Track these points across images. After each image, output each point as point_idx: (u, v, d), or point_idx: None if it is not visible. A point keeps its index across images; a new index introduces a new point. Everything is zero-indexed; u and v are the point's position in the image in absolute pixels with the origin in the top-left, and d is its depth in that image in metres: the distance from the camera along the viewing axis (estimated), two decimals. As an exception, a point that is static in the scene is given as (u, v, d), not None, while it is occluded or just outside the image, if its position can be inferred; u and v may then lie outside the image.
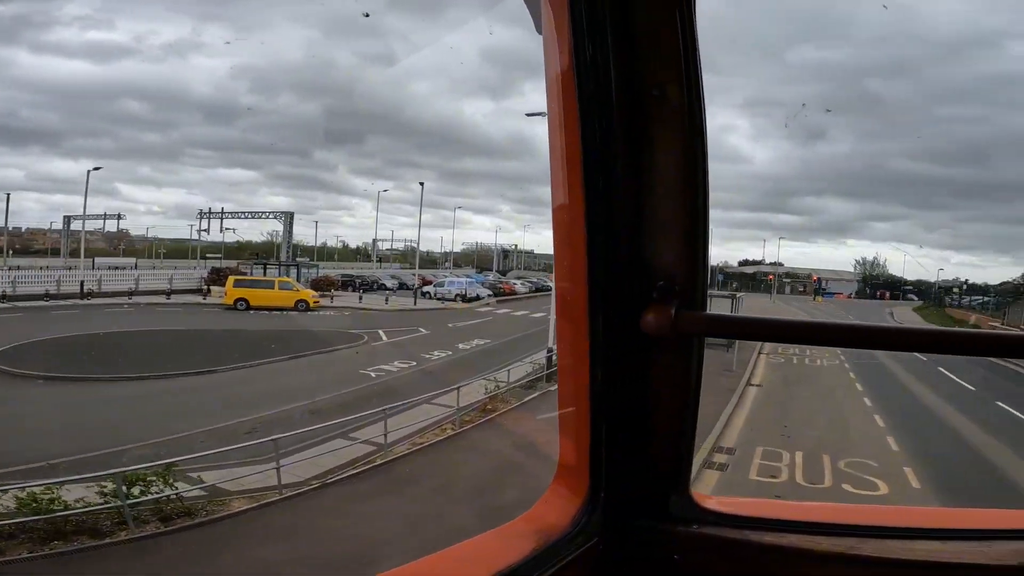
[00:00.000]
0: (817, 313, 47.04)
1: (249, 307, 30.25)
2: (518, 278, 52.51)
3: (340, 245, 59.63)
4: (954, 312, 47.26)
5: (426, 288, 41.14)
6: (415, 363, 19.25)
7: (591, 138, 1.02)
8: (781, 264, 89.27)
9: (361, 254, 59.60)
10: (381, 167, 78.14)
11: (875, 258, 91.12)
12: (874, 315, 49.51)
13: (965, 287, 61.69)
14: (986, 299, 48.43)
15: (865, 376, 19.45)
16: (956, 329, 1.22)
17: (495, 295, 42.49)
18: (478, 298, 40.26)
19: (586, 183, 1.02)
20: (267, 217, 43.86)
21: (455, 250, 62.42)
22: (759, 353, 22.89)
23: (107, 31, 53.98)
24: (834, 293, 78.08)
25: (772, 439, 12.60)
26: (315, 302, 32.07)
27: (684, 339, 1.07)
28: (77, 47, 53.16)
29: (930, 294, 73.49)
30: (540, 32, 1.06)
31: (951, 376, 19.56)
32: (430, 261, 58.38)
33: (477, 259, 61.79)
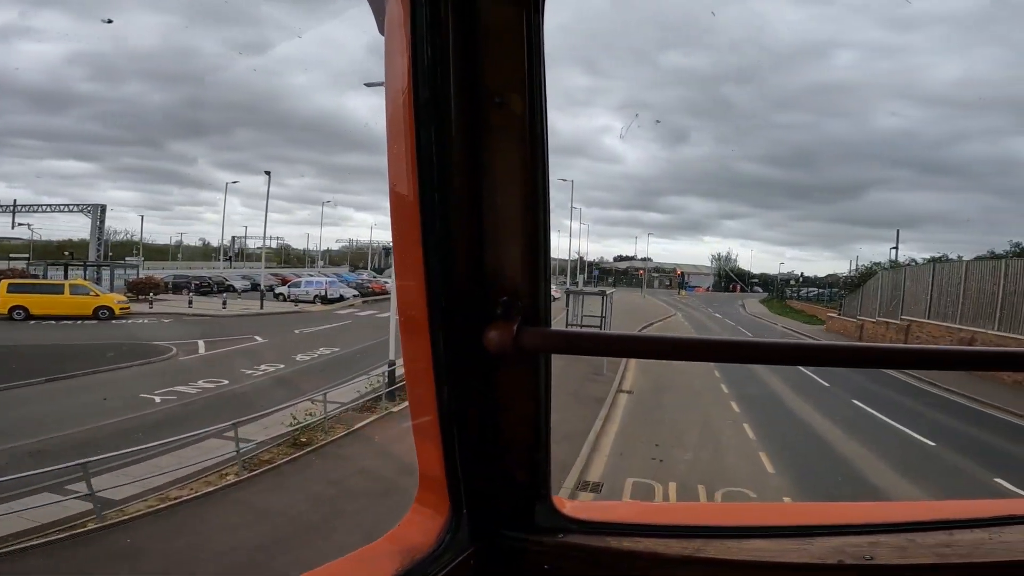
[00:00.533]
0: (680, 306, 49.67)
1: (29, 316, 24.36)
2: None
3: (201, 243, 54.94)
4: (793, 303, 52.48)
5: (280, 289, 36.12)
6: (227, 381, 15.46)
7: (427, 146, 0.95)
8: (650, 259, 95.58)
9: (229, 253, 55.17)
10: (251, 160, 74.01)
11: (728, 252, 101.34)
12: (728, 306, 53.61)
13: (801, 280, 69.67)
14: (820, 291, 54.57)
15: (731, 378, 19.23)
16: (810, 343, 1.28)
17: (363, 295, 38.65)
18: (341, 299, 36.23)
19: (422, 196, 0.96)
20: (72, 210, 36.21)
21: (333, 248, 59.81)
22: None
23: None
24: (694, 287, 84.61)
25: (644, 466, 11.07)
26: (123, 308, 26.28)
27: (530, 355, 1.04)
28: None
29: (773, 286, 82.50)
30: (383, 33, 1.00)
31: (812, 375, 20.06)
32: (309, 260, 56.77)
33: (352, 257, 60.86)
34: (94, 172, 70.89)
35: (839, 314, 33.00)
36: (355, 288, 39.42)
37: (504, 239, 1.01)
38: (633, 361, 19.15)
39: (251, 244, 52.36)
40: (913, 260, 30.82)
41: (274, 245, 52.51)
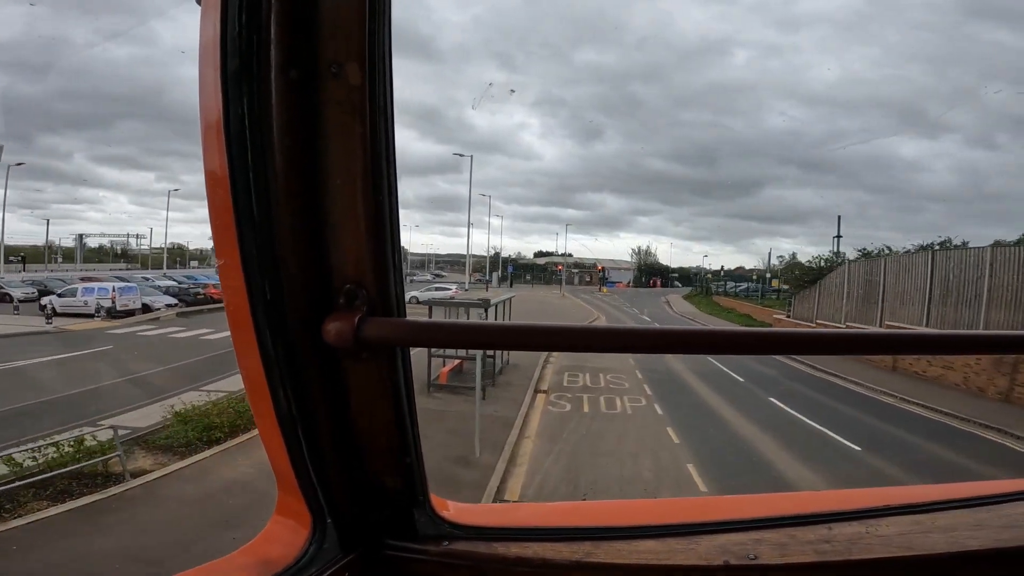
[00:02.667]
0: (603, 305, 43.57)
1: None
2: None
3: (75, 244, 49.71)
4: (721, 300, 47.92)
5: (46, 299, 25.08)
6: None
7: (238, 121, 0.83)
8: (571, 255, 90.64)
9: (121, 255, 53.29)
10: (137, 156, 68.94)
11: (647, 247, 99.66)
12: (652, 304, 48.34)
13: (723, 274, 66.51)
14: (748, 286, 50.60)
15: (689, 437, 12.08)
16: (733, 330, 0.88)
17: (191, 304, 28.30)
18: (146, 310, 25.75)
19: (234, 178, 0.84)
20: None
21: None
22: (535, 394, 14.48)
23: None
24: (615, 283, 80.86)
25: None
26: None
27: (377, 349, 0.92)
28: None
29: (695, 281, 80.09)
30: (199, 2, 0.88)
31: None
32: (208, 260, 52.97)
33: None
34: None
35: (788, 315, 27.32)
36: (173, 295, 28.92)
37: (345, 223, 0.89)
38: (534, 427, 11.42)
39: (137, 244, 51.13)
40: (835, 254, 25.51)
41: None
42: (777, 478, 9.59)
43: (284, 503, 1.01)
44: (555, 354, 20.40)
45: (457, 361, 15.14)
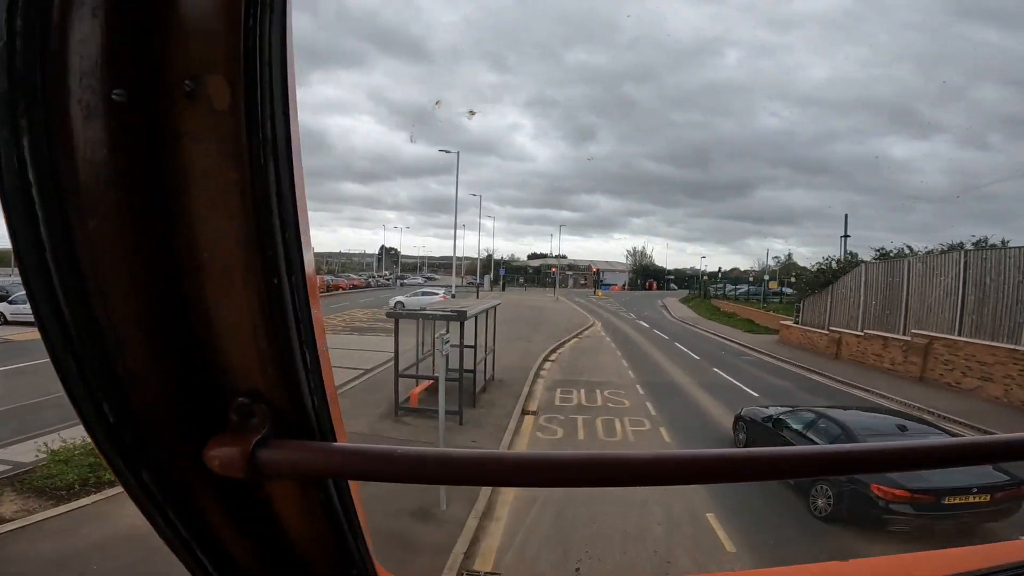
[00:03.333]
0: (598, 310, 41.73)
1: None
2: None
3: None
4: (721, 303, 46.10)
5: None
6: None
7: (45, 162, 0.56)
8: (564, 257, 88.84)
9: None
10: None
11: (643, 248, 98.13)
12: (648, 308, 46.52)
13: (720, 275, 64.81)
14: (749, 288, 48.86)
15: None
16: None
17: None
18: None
19: (25, 254, 0.59)
20: None
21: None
22: (522, 416, 12.51)
23: None
24: (610, 285, 79.19)
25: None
26: None
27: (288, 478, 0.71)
28: None
29: (692, 283, 78.34)
30: None
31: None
32: None
33: None
34: None
35: (797, 322, 25.47)
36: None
37: (225, 317, 0.65)
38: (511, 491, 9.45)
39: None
40: (848, 255, 23.69)
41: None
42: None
43: None
44: (547, 366, 18.44)
45: (429, 381, 13.15)
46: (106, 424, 0.60)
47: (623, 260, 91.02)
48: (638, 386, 15.81)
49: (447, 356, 9.54)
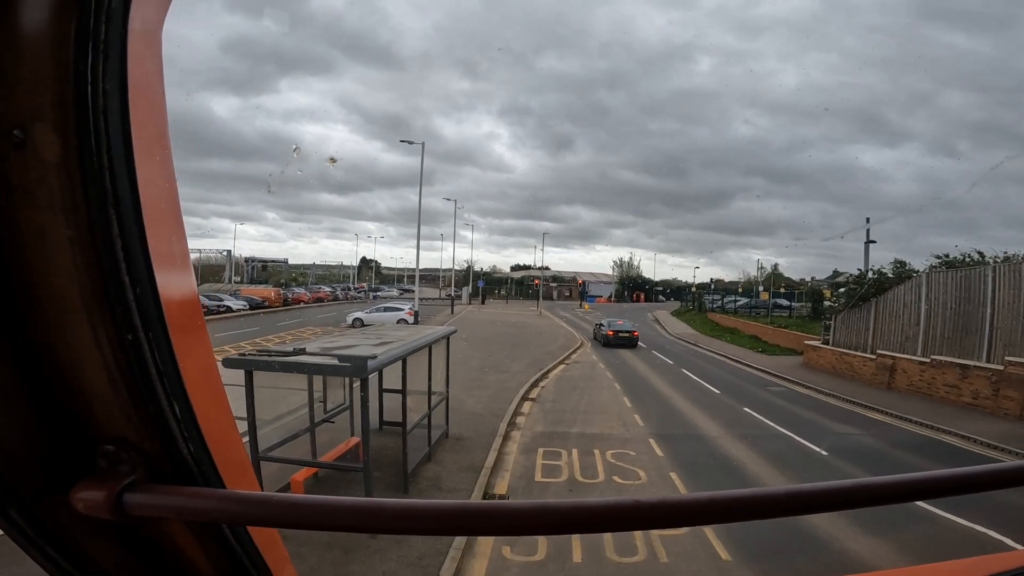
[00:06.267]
0: (587, 325, 37.21)
1: None
2: (215, 294, 36.83)
3: None
4: (718, 317, 41.99)
5: None
6: None
7: None
8: (548, 268, 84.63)
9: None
10: None
11: (630, 259, 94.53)
12: (639, 322, 42.23)
13: (712, 287, 60.92)
14: (748, 301, 44.82)
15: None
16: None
17: None
18: None
19: None
20: None
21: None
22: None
23: None
24: (595, 297, 75.15)
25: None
26: None
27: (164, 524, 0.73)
28: None
29: (681, 295, 74.45)
30: None
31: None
32: None
33: (203, 272, 55.38)
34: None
35: (827, 343, 21.23)
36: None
37: (83, 371, 0.64)
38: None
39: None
40: (899, 264, 19.61)
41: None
42: None
43: None
44: (526, 407, 13.75)
45: (348, 442, 8.42)
46: None
47: (609, 271, 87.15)
48: (652, 441, 11.24)
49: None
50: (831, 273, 48.13)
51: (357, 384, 7.77)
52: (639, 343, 28.26)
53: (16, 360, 0.59)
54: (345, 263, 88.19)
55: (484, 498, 8.23)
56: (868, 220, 25.67)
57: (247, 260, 75.13)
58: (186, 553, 0.72)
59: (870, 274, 20.50)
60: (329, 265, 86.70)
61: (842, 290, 21.99)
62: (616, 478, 9.20)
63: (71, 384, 0.62)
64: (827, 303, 25.18)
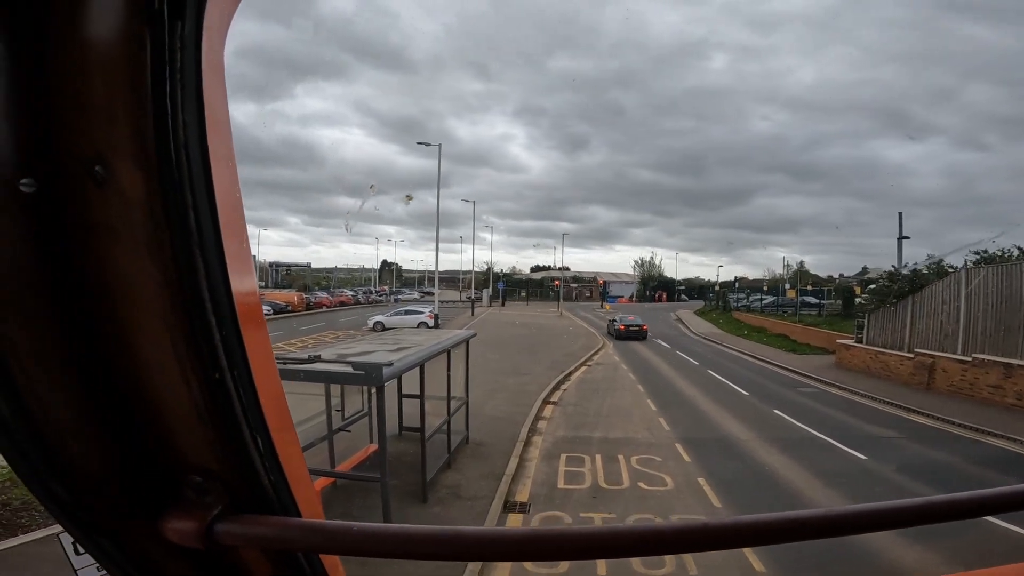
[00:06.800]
0: (603, 324, 36.69)
1: None
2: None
3: None
4: (744, 316, 41.07)
5: None
6: None
7: None
8: (567, 269, 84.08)
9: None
10: None
11: (651, 258, 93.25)
12: (662, 323, 41.55)
13: (736, 285, 59.62)
14: (775, 300, 43.71)
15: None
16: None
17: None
18: None
19: None
20: None
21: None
22: (506, 516, 7.67)
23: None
24: (616, 297, 74.36)
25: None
26: None
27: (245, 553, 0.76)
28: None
29: (704, 294, 73.11)
30: None
31: None
32: None
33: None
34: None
35: (859, 341, 20.47)
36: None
37: (170, 407, 0.66)
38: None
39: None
40: (935, 262, 18.72)
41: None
42: None
43: None
44: (547, 411, 13.51)
45: (366, 449, 8.29)
46: (58, 502, 0.62)
47: (630, 271, 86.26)
48: (678, 446, 10.88)
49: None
50: (860, 270, 46.74)
51: (375, 390, 7.64)
52: (661, 343, 27.76)
53: (106, 396, 0.61)
54: (366, 266, 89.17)
55: (505, 506, 8.02)
56: (901, 216, 24.76)
57: (271, 264, 76.49)
58: None
59: (904, 271, 19.67)
60: (351, 268, 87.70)
61: (872, 287, 21.11)
62: (642, 485, 8.89)
63: (159, 419, 0.64)
64: (858, 300, 24.25)
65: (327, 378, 6.16)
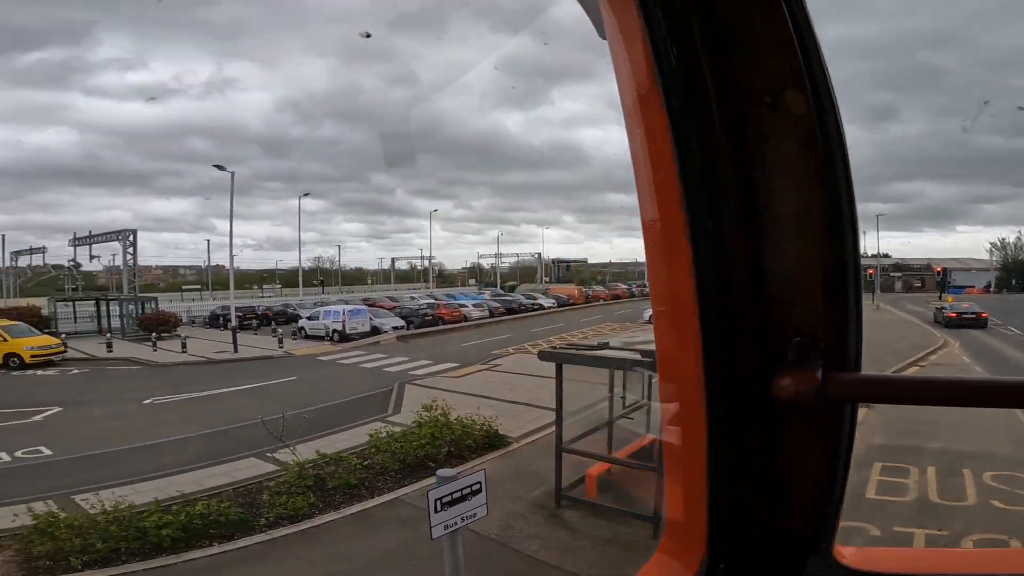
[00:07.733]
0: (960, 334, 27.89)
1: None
2: (531, 293, 42.65)
3: (408, 266, 61.25)
4: None
5: (303, 322, 27.70)
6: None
7: (690, 163, 0.78)
8: (887, 256, 68.34)
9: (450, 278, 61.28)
10: (436, 187, 79.66)
11: (1018, 237, 68.17)
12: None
13: None
14: None
15: None
16: None
17: (420, 325, 28.24)
18: (376, 331, 26.23)
19: (691, 220, 0.79)
20: (107, 239, 34.22)
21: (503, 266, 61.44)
22: None
23: (144, 72, 62.45)
24: (963, 288, 57.17)
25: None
26: (37, 356, 20.35)
27: (832, 405, 0.86)
28: (123, 88, 57.95)
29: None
30: (604, 37, 0.86)
31: None
32: (461, 279, 60.37)
33: (522, 274, 62.36)
34: (325, 208, 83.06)
35: None
36: (412, 315, 29.22)
37: (794, 267, 0.81)
38: None
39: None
40: None
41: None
42: None
43: (674, 537, 0.98)
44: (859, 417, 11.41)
45: (643, 439, 8.51)
46: (715, 352, 0.80)
47: (984, 255, 65.21)
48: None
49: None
50: None
51: (656, 380, 7.77)
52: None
53: (757, 270, 0.82)
54: (639, 260, 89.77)
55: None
56: None
57: (553, 261, 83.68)
58: (828, 429, 0.86)
59: None
60: (624, 263, 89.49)
61: None
62: (996, 502, 6.81)
63: (782, 283, 0.81)
64: None
65: (615, 364, 6.61)
